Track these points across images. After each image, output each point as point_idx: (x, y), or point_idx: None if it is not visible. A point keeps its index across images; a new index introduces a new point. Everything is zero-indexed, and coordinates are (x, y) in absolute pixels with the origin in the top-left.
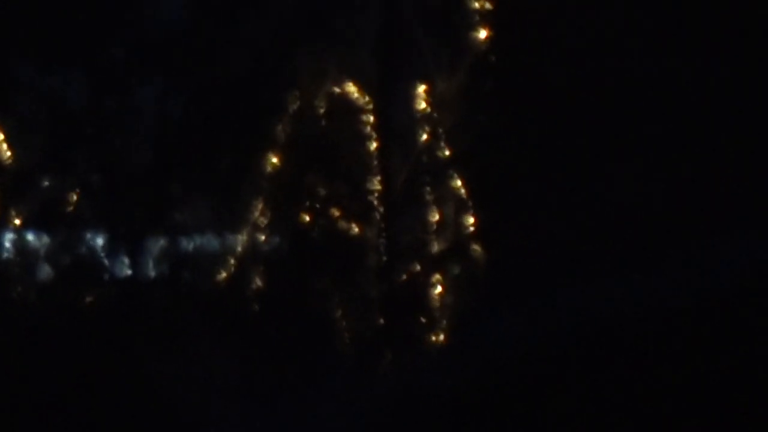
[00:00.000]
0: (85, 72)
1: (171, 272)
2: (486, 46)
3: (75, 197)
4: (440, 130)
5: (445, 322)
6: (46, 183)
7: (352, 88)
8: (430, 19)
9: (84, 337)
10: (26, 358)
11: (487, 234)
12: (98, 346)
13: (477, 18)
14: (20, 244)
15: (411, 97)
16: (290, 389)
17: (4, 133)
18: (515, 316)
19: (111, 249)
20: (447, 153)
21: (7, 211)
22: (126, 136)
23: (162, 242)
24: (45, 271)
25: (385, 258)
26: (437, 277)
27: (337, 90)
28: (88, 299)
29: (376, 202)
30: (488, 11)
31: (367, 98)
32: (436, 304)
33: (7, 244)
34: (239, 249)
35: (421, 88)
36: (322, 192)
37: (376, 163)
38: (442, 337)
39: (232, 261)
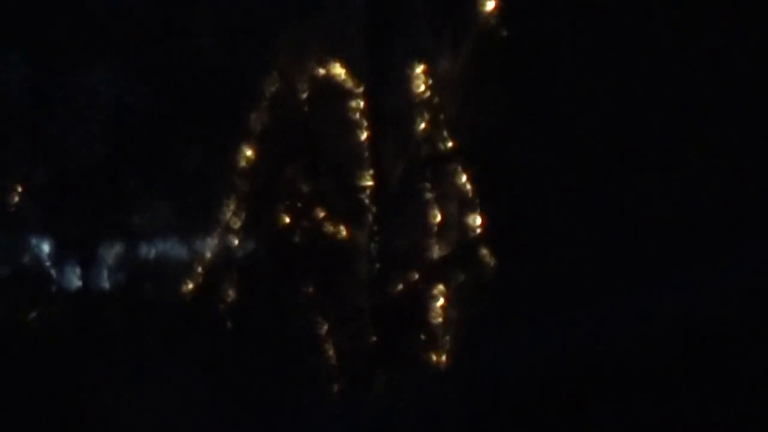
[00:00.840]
0: (25, 53)
1: (129, 283)
2: (495, 19)
3: (16, 198)
4: (442, 117)
5: (447, 339)
6: None
7: (338, 69)
8: None
9: (27, 360)
10: None
11: (496, 237)
12: (43, 370)
13: None
14: None
15: (407, 79)
16: (268, 419)
17: None
18: (529, 334)
19: (58, 257)
20: (450, 143)
21: None
22: (74, 126)
23: (118, 249)
24: None
25: (378, 265)
26: (439, 287)
27: (321, 71)
28: (32, 315)
29: (367, 201)
30: None
31: (355, 80)
32: (438, 318)
33: None
34: (209, 256)
35: (420, 69)
36: (305, 189)
37: (367, 155)
38: (444, 357)
39: (201, 270)
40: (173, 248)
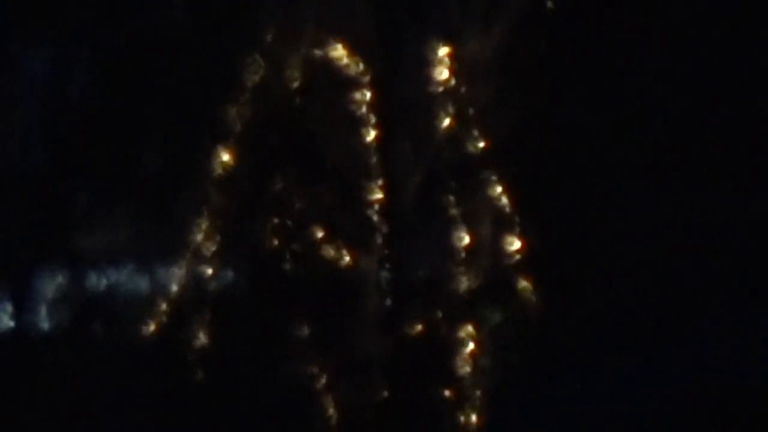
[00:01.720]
0: None
1: (74, 323)
2: None
3: None
4: (470, 112)
5: (478, 395)
6: None
7: (340, 52)
8: None
9: None
10: None
11: (539, 264)
12: None
13: None
14: None
15: (427, 65)
16: None
17: None
18: (579, 388)
19: None
20: (480, 145)
21: None
22: (6, 125)
23: (60, 279)
24: None
25: (389, 300)
26: (467, 328)
27: (318, 54)
28: None
29: (376, 218)
30: None
31: (362, 66)
32: (466, 368)
33: None
34: (174, 288)
35: (442, 52)
36: (297, 204)
37: (375, 160)
38: (474, 417)
39: (165, 306)
40: (129, 279)
